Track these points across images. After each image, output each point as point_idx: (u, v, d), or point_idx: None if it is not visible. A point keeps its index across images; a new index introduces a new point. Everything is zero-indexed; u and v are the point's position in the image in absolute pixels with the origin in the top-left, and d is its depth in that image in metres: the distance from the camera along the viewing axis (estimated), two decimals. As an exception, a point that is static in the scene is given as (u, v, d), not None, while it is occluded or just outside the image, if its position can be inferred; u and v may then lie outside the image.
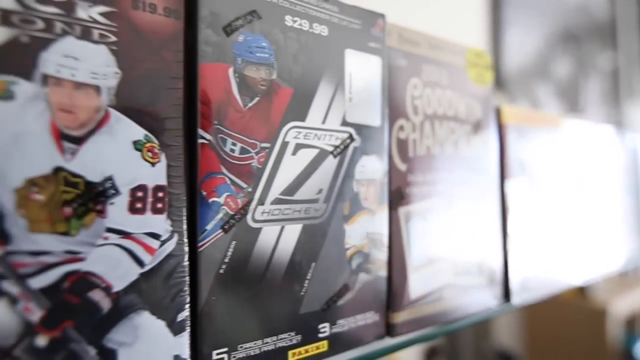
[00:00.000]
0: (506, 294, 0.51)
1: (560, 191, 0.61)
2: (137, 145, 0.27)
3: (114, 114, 0.26)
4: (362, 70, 0.38)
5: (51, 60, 0.24)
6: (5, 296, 0.22)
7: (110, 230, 0.26)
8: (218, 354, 0.29)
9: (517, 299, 0.52)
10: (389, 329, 0.40)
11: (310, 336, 0.34)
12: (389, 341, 0.40)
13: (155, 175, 0.27)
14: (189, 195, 0.29)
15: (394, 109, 0.42)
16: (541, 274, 0.56)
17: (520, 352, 1.42)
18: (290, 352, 0.33)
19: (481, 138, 0.50)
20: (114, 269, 0.26)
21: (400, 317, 0.41)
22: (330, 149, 0.36)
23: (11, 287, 0.23)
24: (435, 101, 0.46)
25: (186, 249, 0.29)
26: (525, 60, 1.63)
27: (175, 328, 0.28)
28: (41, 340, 0.23)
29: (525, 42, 1.64)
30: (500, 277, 0.51)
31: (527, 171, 0.55)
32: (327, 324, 0.35)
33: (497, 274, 0.50)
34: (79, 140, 0.25)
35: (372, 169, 0.39)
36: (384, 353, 0.39)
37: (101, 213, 0.25)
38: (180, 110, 0.29)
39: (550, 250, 0.58)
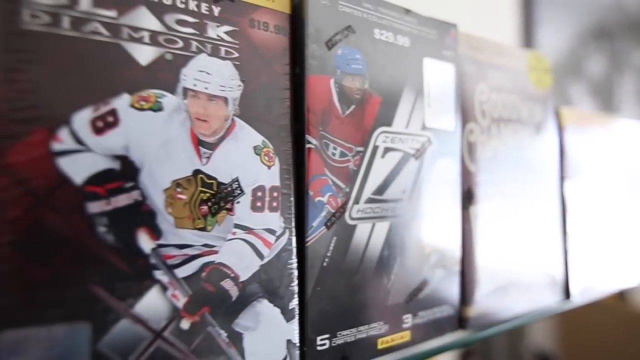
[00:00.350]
0: (566, 291, 0.53)
1: (613, 191, 0.62)
2: (257, 150, 0.30)
3: (239, 122, 0.29)
4: (438, 77, 0.41)
5: (189, 75, 0.27)
6: (158, 284, 0.26)
7: (237, 226, 0.29)
8: (321, 339, 0.32)
9: (577, 296, 0.53)
10: (462, 322, 0.42)
11: (396, 326, 0.37)
12: (461, 334, 0.42)
13: (271, 176, 0.30)
14: (296, 195, 0.32)
15: (464, 113, 0.44)
16: (599, 273, 0.57)
17: (557, 355, 1.42)
18: (379, 341, 0.36)
19: (542, 139, 0.52)
20: (241, 260, 0.29)
21: (471, 311, 0.43)
22: (412, 151, 0.38)
23: (162, 276, 0.26)
24: (500, 105, 0.48)
25: (295, 243, 0.31)
26: (558, 59, 1.62)
27: (288, 315, 0.31)
28: (185, 324, 0.26)
29: (558, 40, 1.63)
30: (561, 275, 0.52)
31: (584, 171, 0.56)
32: (409, 315, 0.38)
33: (558, 272, 0.52)
34: (212, 146, 0.28)
35: (447, 171, 0.41)
36: (458, 345, 0.41)
37: (230, 211, 0.28)
38: (288, 118, 0.32)
39: (606, 250, 0.59)
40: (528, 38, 1.54)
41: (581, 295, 0.53)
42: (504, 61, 0.49)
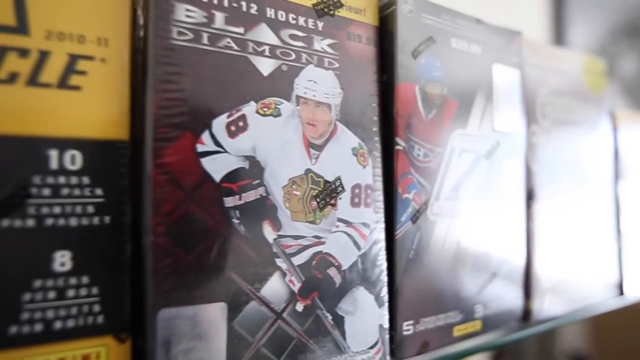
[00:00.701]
0: (619, 289, 0.55)
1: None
2: (354, 152, 0.33)
3: (340, 126, 0.32)
4: (506, 82, 0.43)
5: (301, 84, 0.30)
6: (278, 270, 0.29)
7: (339, 220, 0.32)
8: (407, 325, 0.35)
9: (630, 293, 0.55)
10: (526, 315, 0.45)
11: (469, 315, 0.40)
12: (525, 325, 0.45)
13: (366, 175, 0.33)
14: (385, 192, 0.35)
15: (527, 116, 0.46)
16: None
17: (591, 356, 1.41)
18: (455, 328, 0.38)
19: (597, 141, 0.54)
20: (343, 251, 0.32)
21: (535, 303, 0.45)
22: (484, 152, 0.41)
23: (282, 263, 0.29)
24: (558, 107, 0.50)
25: (384, 236, 0.34)
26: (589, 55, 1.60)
27: (380, 302, 0.34)
28: (299, 307, 0.30)
29: (589, 39, 1.62)
30: (615, 273, 0.54)
31: (637, 172, 0.58)
32: (480, 306, 0.40)
33: (612, 269, 0.54)
34: (319, 148, 0.31)
35: (513, 171, 0.44)
36: (523, 337, 0.44)
37: (334, 206, 0.31)
38: (377, 122, 0.35)
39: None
40: (559, 36, 1.53)
41: (634, 292, 0.55)
42: (561, 65, 0.51)
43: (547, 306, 0.46)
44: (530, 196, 0.46)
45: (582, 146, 0.52)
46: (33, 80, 0.24)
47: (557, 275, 0.48)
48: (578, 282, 0.50)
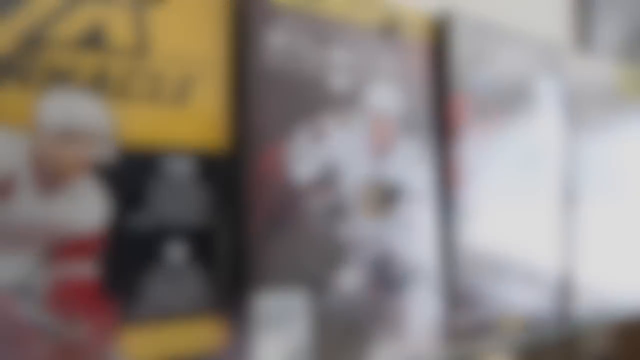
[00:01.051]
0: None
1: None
2: (413, 157, 0.36)
3: (402, 136, 0.36)
4: (548, 91, 0.46)
5: (368, 99, 0.34)
6: (351, 263, 0.33)
7: (402, 219, 0.35)
8: (457, 315, 0.39)
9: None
10: (564, 315, 0.48)
11: (514, 310, 0.43)
12: (563, 324, 0.48)
13: (423, 180, 0.37)
14: (442, 195, 0.38)
15: (568, 123, 0.49)
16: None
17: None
18: (501, 320, 0.42)
19: (634, 147, 0.56)
20: (404, 247, 0.35)
21: (577, 302, 0.48)
22: (530, 158, 0.44)
23: (354, 256, 0.33)
24: (597, 114, 0.52)
25: (441, 235, 0.38)
26: (616, 57, 1.60)
27: (433, 293, 0.37)
28: (366, 295, 0.33)
29: (616, 37, 1.62)
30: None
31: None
32: (521, 304, 0.44)
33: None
34: (386, 155, 0.35)
35: (554, 176, 0.47)
36: (565, 334, 0.47)
37: (398, 207, 0.35)
38: (433, 130, 0.38)
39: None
40: (585, 36, 1.53)
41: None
42: (599, 74, 0.53)
43: (584, 308, 0.49)
44: (570, 201, 0.49)
45: (620, 152, 0.54)
46: (153, 98, 0.28)
47: (596, 278, 0.51)
48: (615, 285, 0.53)
